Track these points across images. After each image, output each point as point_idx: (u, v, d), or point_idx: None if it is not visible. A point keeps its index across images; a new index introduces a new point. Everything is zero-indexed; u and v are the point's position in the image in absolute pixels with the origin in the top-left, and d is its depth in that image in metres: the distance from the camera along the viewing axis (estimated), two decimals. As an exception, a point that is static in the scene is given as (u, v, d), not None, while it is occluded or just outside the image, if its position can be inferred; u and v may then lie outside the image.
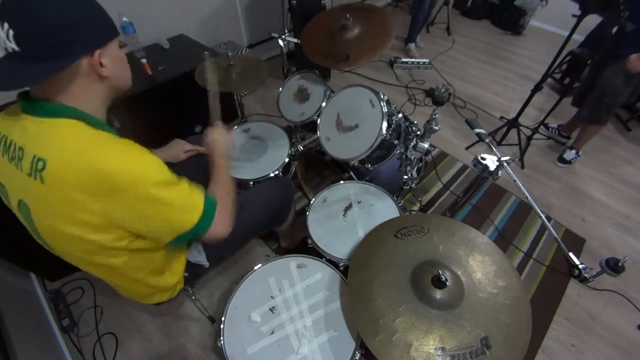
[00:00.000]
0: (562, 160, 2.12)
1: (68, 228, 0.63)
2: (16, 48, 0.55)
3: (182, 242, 0.75)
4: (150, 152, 0.66)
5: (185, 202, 0.71)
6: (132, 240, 0.72)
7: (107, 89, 0.68)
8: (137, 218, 0.66)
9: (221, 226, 0.79)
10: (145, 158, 0.64)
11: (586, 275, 0.84)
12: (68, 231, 0.64)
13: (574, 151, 2.08)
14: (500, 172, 1.01)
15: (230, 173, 0.92)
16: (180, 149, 1.19)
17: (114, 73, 0.67)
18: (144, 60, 1.71)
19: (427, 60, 2.91)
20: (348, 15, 1.38)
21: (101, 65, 0.63)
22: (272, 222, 1.27)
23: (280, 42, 1.62)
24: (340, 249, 1.12)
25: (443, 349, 0.75)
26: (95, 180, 0.58)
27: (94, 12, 0.62)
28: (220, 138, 0.95)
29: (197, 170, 1.04)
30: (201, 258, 1.01)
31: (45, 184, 0.59)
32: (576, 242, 1.73)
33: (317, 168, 1.86)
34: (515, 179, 0.98)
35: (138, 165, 0.62)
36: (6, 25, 0.54)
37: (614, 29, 1.59)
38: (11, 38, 0.54)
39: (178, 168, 1.09)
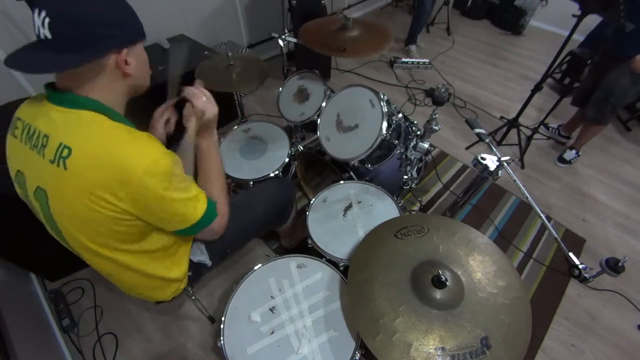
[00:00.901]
0: (562, 160, 2.12)
1: (84, 214, 0.65)
2: (49, 36, 0.57)
3: (189, 233, 0.79)
4: (163, 147, 0.68)
5: (192, 197, 0.75)
6: (144, 230, 0.75)
7: (128, 86, 0.71)
8: (147, 209, 0.68)
9: (221, 219, 0.84)
10: (160, 152, 0.66)
11: (586, 275, 0.84)
12: (83, 218, 0.66)
13: (574, 151, 2.08)
14: (500, 172, 1.01)
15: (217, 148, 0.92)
16: (155, 119, 1.00)
17: (137, 72, 0.70)
18: (144, 60, 1.71)
19: (427, 60, 2.91)
20: (347, 16, 1.38)
21: (126, 63, 0.66)
22: (273, 222, 1.28)
23: (280, 42, 1.62)
24: (340, 249, 1.12)
25: (443, 349, 0.75)
26: (113, 170, 0.61)
27: (126, 13, 0.66)
28: (212, 103, 0.87)
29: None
30: (203, 257, 1.01)
31: (68, 171, 0.62)
32: (576, 242, 1.73)
33: (317, 168, 1.86)
34: (515, 179, 0.98)
35: (153, 159, 0.64)
36: (43, 13, 0.56)
37: (614, 29, 1.59)
38: (46, 25, 0.56)
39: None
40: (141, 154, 0.63)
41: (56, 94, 0.65)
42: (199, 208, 0.76)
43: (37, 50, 0.59)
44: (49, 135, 0.64)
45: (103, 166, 0.61)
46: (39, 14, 0.56)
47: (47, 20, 0.56)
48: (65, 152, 0.61)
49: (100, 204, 0.63)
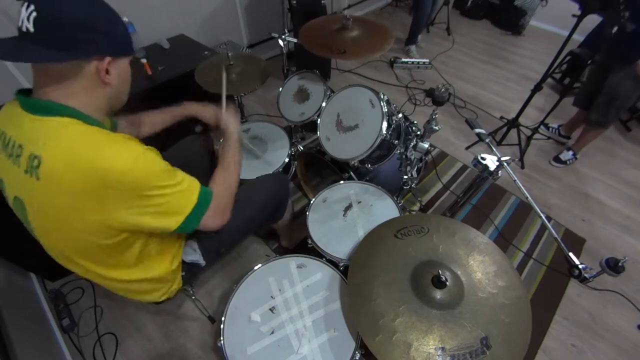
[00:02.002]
0: (557, 160, 2.11)
1: (60, 225, 0.64)
2: (31, 29, 0.57)
3: (185, 229, 0.76)
4: (144, 146, 0.67)
5: (177, 198, 0.71)
6: (126, 237, 0.72)
7: (106, 97, 0.70)
8: (128, 212, 0.65)
9: (215, 219, 0.80)
10: (139, 150, 0.64)
11: (586, 275, 0.84)
12: (61, 228, 0.65)
13: (571, 152, 2.08)
14: (500, 172, 1.01)
15: (239, 157, 0.97)
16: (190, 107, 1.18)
17: (117, 84, 0.70)
18: (144, 60, 1.71)
19: (427, 60, 2.91)
20: (348, 16, 1.38)
21: (107, 72, 0.66)
22: (269, 218, 1.26)
23: (280, 42, 1.62)
24: (340, 249, 1.12)
25: (443, 349, 0.75)
26: (89, 177, 0.59)
27: (117, 25, 0.66)
28: (236, 121, 1.04)
29: (196, 170, 1.04)
30: (196, 257, 0.99)
31: (40, 181, 0.60)
32: (576, 242, 1.73)
33: (317, 168, 1.86)
34: (515, 179, 0.98)
35: (132, 157, 0.62)
36: (32, 6, 0.56)
37: (614, 29, 1.59)
38: (31, 19, 0.56)
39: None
40: (118, 153, 0.61)
41: (29, 101, 0.63)
42: (190, 196, 0.74)
43: (19, 41, 0.59)
44: (22, 144, 0.62)
45: (77, 170, 0.59)
46: (27, 7, 0.56)
47: (33, 14, 0.56)
48: (36, 161, 0.60)
49: (77, 215, 0.62)
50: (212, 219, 0.79)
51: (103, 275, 0.78)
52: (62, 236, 0.67)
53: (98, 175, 0.59)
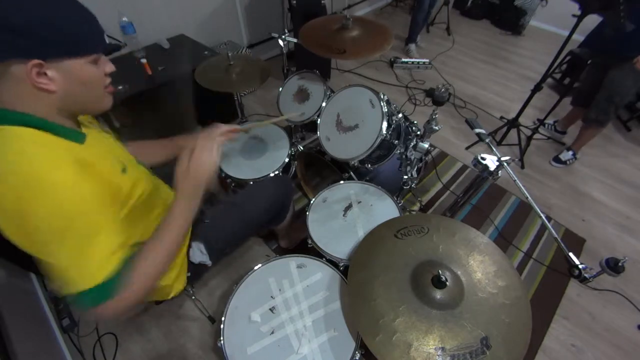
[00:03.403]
0: (557, 160, 2.11)
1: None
2: None
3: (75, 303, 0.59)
4: (81, 179, 0.58)
5: (74, 261, 0.57)
6: None
7: (58, 101, 0.61)
8: (31, 245, 0.57)
9: (112, 310, 0.62)
10: (61, 180, 0.55)
11: (586, 275, 0.84)
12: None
13: (570, 152, 2.08)
14: (500, 172, 1.01)
15: (191, 215, 0.73)
16: (216, 130, 0.90)
17: (68, 90, 0.60)
18: (144, 60, 1.71)
19: (427, 60, 2.91)
20: (348, 16, 1.38)
21: (47, 77, 0.57)
22: (271, 220, 1.27)
23: (280, 42, 1.62)
24: (340, 249, 1.12)
25: (443, 349, 0.75)
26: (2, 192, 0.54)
27: (51, 21, 0.55)
28: (212, 161, 0.74)
29: None
30: (204, 258, 1.00)
31: None
32: (576, 242, 1.73)
33: (317, 168, 1.86)
34: (515, 179, 0.98)
35: (46, 189, 0.54)
36: None
37: (614, 29, 1.59)
38: None
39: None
40: (32, 178, 0.53)
41: None
42: (88, 278, 0.58)
43: None
44: None
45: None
46: None
47: None
48: None
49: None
50: (103, 312, 0.61)
51: None
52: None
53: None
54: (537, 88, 1.88)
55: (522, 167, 2.11)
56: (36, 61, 0.54)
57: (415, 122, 1.39)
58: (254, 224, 1.15)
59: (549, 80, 2.72)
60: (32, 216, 0.54)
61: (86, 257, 0.58)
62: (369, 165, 1.37)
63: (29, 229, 0.55)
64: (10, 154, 0.55)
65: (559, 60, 1.79)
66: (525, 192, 0.96)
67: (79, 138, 0.65)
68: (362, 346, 0.89)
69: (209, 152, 0.74)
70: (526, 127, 2.18)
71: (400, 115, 1.31)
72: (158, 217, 0.86)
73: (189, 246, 0.99)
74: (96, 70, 0.63)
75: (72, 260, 0.57)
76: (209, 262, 1.02)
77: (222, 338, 0.92)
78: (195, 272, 1.02)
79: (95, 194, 0.61)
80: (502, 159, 0.99)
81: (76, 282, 0.58)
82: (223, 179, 1.47)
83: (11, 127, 0.57)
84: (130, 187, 0.75)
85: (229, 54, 1.48)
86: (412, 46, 3.06)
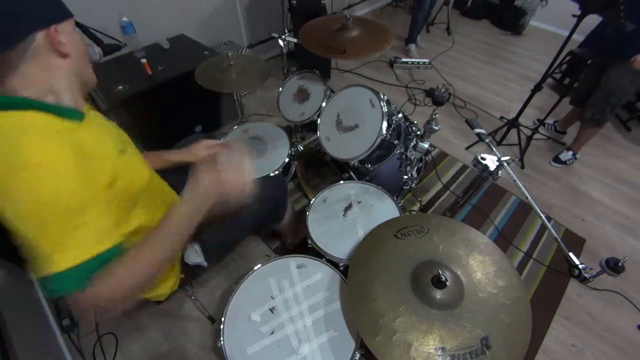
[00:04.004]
0: (557, 160, 2.11)
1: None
2: None
3: (48, 287, 0.57)
4: (69, 162, 0.56)
5: (60, 232, 0.55)
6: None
7: (70, 71, 0.63)
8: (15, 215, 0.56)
9: (88, 301, 0.58)
10: (40, 160, 0.54)
11: (586, 275, 0.84)
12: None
13: (570, 152, 2.08)
14: (500, 172, 1.01)
15: (191, 227, 0.69)
16: (201, 145, 1.00)
17: (75, 52, 0.63)
18: (144, 60, 1.71)
19: (427, 60, 2.91)
20: (348, 16, 1.38)
21: (60, 42, 0.59)
22: (268, 219, 1.26)
23: (280, 42, 1.63)
24: (340, 249, 1.12)
25: (443, 349, 0.75)
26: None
27: None
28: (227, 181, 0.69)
29: None
30: (199, 259, 0.99)
31: None
32: (576, 242, 1.73)
33: (317, 168, 1.86)
34: (515, 179, 0.98)
35: (40, 159, 0.54)
36: None
37: (614, 29, 1.60)
38: None
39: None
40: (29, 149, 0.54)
41: None
42: (65, 258, 0.55)
43: None
44: None
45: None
46: None
47: None
48: None
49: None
50: (84, 300, 0.58)
51: None
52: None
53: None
54: (537, 88, 1.88)
55: (522, 167, 2.11)
56: (54, 26, 0.58)
57: (415, 122, 1.39)
58: (248, 223, 1.14)
59: (549, 80, 2.72)
60: (21, 189, 0.53)
61: (69, 236, 0.55)
62: (369, 165, 1.37)
63: (14, 203, 0.54)
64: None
65: (559, 60, 1.78)
66: (525, 192, 0.96)
67: (77, 116, 0.64)
68: (362, 346, 0.89)
69: (242, 169, 0.71)
70: (526, 127, 2.18)
71: (400, 115, 1.32)
72: (155, 212, 0.83)
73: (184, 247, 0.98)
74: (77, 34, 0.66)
75: (54, 237, 0.55)
76: (204, 264, 1.01)
77: (222, 338, 0.92)
78: (191, 272, 1.01)
79: (86, 173, 0.58)
80: (502, 159, 0.99)
81: (55, 261, 0.55)
82: None
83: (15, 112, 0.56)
84: (128, 170, 0.72)
85: (229, 54, 1.48)
86: (412, 46, 3.06)
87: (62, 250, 0.55)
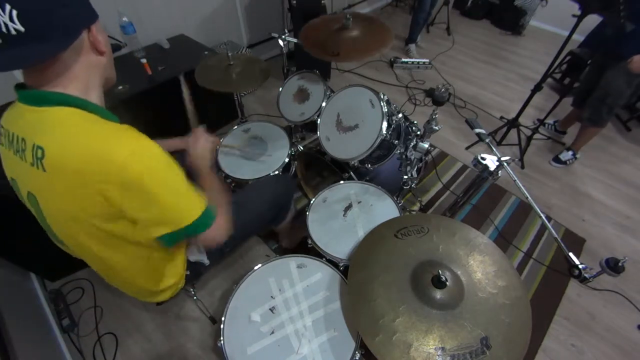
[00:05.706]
0: (557, 160, 2.11)
1: (72, 213, 0.64)
2: (21, 29, 0.53)
3: (175, 240, 0.72)
4: (148, 139, 0.64)
5: (185, 195, 0.69)
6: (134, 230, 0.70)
7: (104, 68, 0.68)
8: (132, 204, 0.63)
9: (220, 230, 0.78)
10: (143, 143, 0.63)
11: (586, 275, 0.84)
12: (72, 217, 0.64)
13: (570, 152, 2.08)
14: (500, 172, 1.01)
15: (216, 180, 0.93)
16: (200, 134, 1.05)
17: (108, 51, 0.68)
18: (144, 60, 1.71)
19: (427, 60, 2.91)
20: (348, 15, 1.38)
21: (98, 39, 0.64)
22: (272, 219, 1.27)
23: (280, 42, 1.62)
24: (340, 249, 1.12)
25: (443, 349, 0.75)
26: (91, 165, 0.58)
27: None
28: (207, 146, 0.97)
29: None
30: (201, 256, 1.00)
31: (47, 172, 0.60)
32: (576, 242, 1.73)
33: (317, 168, 1.86)
34: (515, 179, 0.98)
35: (135, 147, 0.61)
36: (7, 6, 0.52)
37: (614, 29, 1.60)
38: (15, 19, 0.52)
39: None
40: (120, 142, 0.60)
41: (26, 94, 0.62)
42: (195, 208, 0.71)
43: (14, 46, 0.54)
44: (25, 138, 0.62)
45: (81, 163, 0.58)
46: (3, 10, 0.52)
47: (14, 12, 0.52)
48: (40, 152, 0.59)
49: (86, 203, 0.61)
50: (215, 233, 0.76)
51: (113, 264, 0.78)
52: (73, 225, 0.66)
53: (98, 164, 0.58)
54: (537, 88, 1.88)
55: (522, 167, 2.11)
56: (94, 25, 0.62)
57: (415, 122, 1.39)
58: (253, 224, 1.15)
59: (549, 80, 2.72)
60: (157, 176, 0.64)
61: (190, 195, 0.71)
62: (369, 165, 1.37)
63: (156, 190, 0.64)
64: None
65: (559, 60, 1.79)
66: (525, 192, 0.96)
67: (112, 117, 0.68)
68: (362, 346, 0.89)
69: (204, 141, 0.98)
70: (526, 127, 2.18)
71: (400, 115, 1.31)
72: None
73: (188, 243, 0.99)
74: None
75: (184, 198, 0.70)
76: (206, 262, 1.02)
77: (222, 338, 0.92)
78: (194, 270, 1.02)
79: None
80: (502, 159, 0.99)
81: (190, 213, 0.70)
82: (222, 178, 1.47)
83: (57, 107, 0.60)
84: None
85: (229, 54, 1.48)
86: (412, 46, 3.06)
87: (190, 203, 0.71)
